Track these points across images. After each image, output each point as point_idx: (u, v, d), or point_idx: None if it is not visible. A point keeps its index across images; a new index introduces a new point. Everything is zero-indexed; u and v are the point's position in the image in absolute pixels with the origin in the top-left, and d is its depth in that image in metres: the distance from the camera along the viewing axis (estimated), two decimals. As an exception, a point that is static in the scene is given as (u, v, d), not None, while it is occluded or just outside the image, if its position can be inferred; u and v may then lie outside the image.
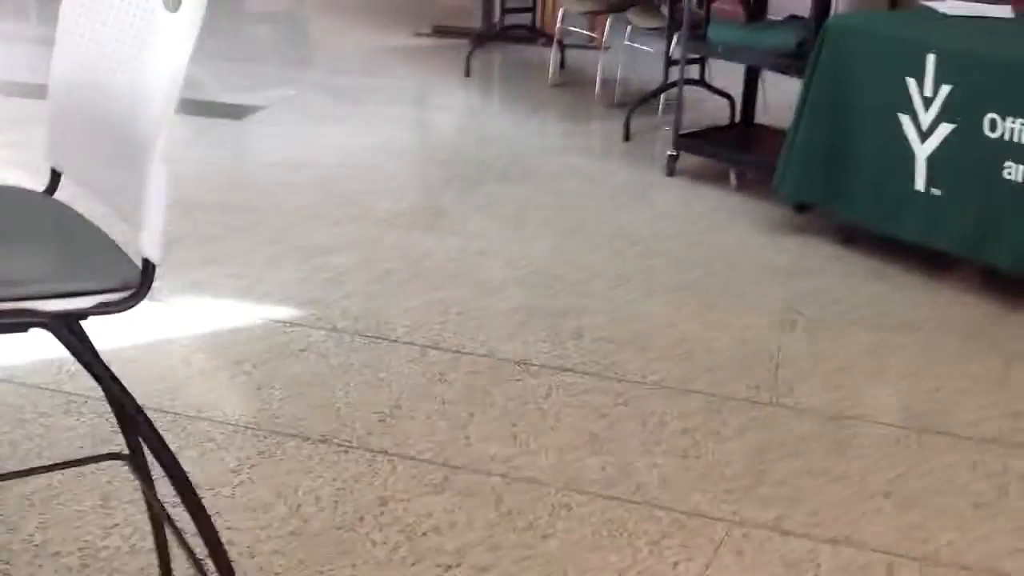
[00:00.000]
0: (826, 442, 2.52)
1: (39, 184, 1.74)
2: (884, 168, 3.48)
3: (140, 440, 1.80)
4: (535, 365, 2.80)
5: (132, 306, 1.44)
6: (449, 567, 2.02)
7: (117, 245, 1.56)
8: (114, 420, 1.74)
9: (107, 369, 1.52)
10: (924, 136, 3.35)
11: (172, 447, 1.88)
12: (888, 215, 3.49)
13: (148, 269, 1.44)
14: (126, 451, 1.80)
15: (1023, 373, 2.90)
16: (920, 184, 3.38)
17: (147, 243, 1.44)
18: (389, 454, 2.37)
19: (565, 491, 2.28)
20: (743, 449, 2.47)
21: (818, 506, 2.28)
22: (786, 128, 3.87)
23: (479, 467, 2.34)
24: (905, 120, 3.39)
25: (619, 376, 2.77)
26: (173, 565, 1.92)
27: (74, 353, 1.47)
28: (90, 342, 1.48)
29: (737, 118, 4.64)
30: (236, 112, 5.01)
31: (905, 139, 3.40)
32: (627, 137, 4.84)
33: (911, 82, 3.36)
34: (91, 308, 1.40)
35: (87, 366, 1.50)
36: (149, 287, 1.45)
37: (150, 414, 1.61)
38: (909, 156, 3.39)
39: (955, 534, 2.21)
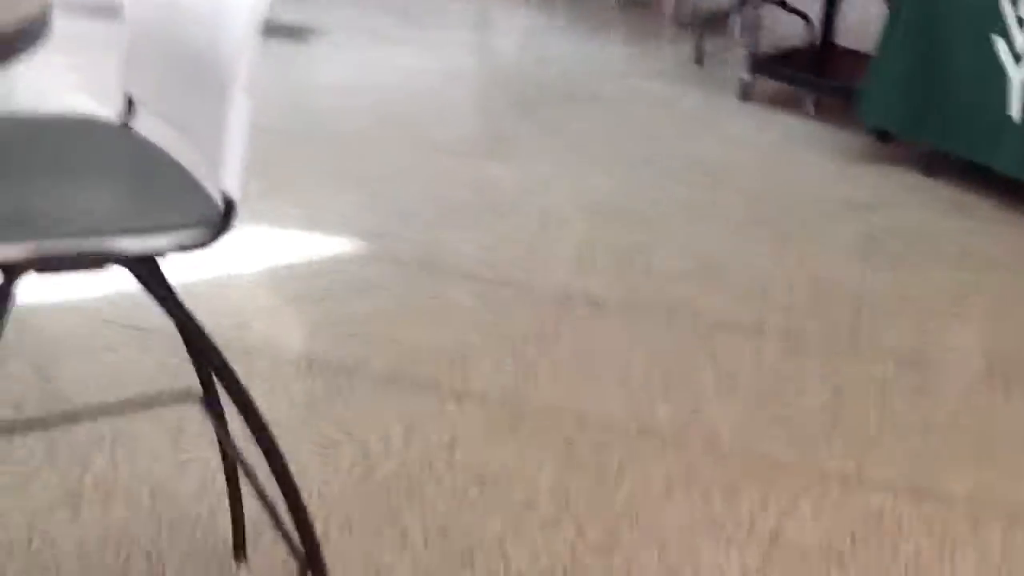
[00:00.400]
0: (908, 388, 2.44)
1: (108, 110, 1.69)
2: (977, 94, 3.30)
3: (212, 379, 1.78)
4: (605, 302, 2.74)
5: (211, 244, 1.40)
6: (520, 514, 1.98)
7: (195, 179, 1.51)
8: (183, 355, 1.71)
9: (183, 307, 1.48)
10: (1019, 59, 3.18)
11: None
12: (979, 144, 3.33)
13: (228, 205, 1.40)
14: (197, 388, 1.78)
15: (1116, 316, 2.78)
16: (1015, 111, 3.21)
17: (227, 179, 1.39)
18: (458, 394, 2.33)
19: (637, 436, 2.23)
20: (821, 394, 2.40)
21: (900, 456, 2.20)
22: (867, 51, 3.69)
23: (549, 410, 2.30)
24: (999, 42, 3.21)
25: (692, 315, 2.69)
26: (244, 504, 1.91)
27: (150, 291, 1.44)
28: (166, 279, 1.45)
29: (815, 40, 4.45)
30: (298, 32, 4.92)
31: (1000, 63, 3.22)
32: (698, 60, 4.68)
33: (1005, 2, 3.17)
34: (169, 246, 1.37)
35: (163, 304, 1.47)
36: (229, 224, 1.41)
37: (216, 351, 1.58)
38: (1004, 81, 3.22)
39: (1044, 488, 2.13)
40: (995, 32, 3.22)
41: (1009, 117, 3.23)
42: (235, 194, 1.41)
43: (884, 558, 1.94)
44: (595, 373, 2.44)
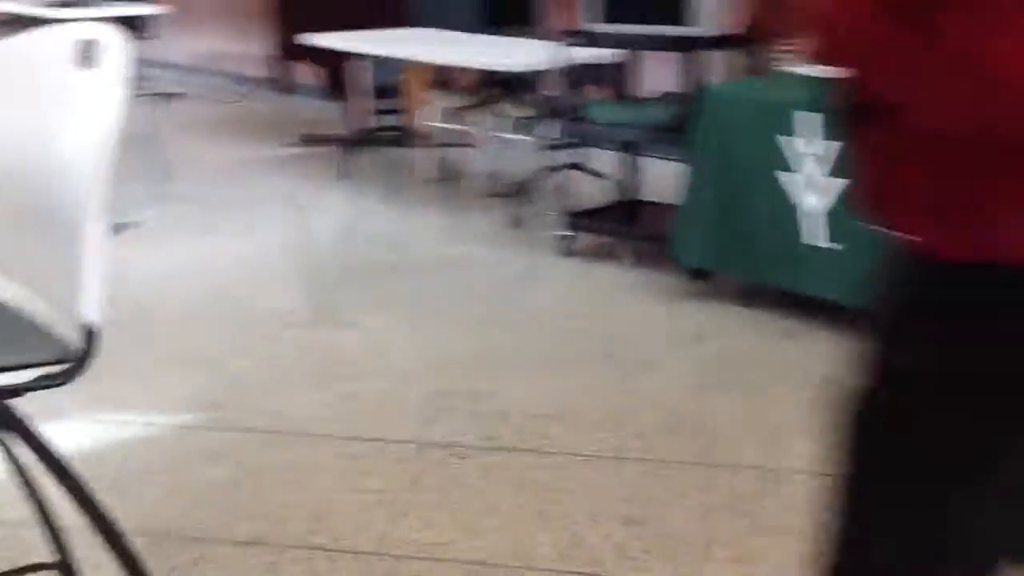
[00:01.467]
0: (772, 499, 2.48)
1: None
2: (773, 226, 3.52)
3: (68, 550, 1.64)
4: (464, 447, 2.69)
5: (75, 377, 1.31)
6: (414, 661, 1.87)
7: (46, 326, 1.43)
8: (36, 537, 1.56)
9: (48, 448, 1.37)
10: (806, 190, 3.43)
11: (89, 560, 1.71)
12: (783, 272, 3.53)
13: (90, 336, 1.32)
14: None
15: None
16: (806, 238, 3.43)
17: (88, 307, 1.32)
18: (328, 550, 2.21)
19: (519, 569, 2.16)
20: (690, 513, 2.40)
21: (776, 563, 2.22)
22: (670, 203, 3.92)
23: (426, 557, 2.21)
24: (784, 177, 3.47)
25: (553, 450, 2.68)
26: None
27: (15, 431, 1.33)
28: (27, 422, 1.35)
29: (621, 197, 4.69)
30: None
31: (787, 196, 3.47)
32: (516, 224, 4.83)
33: (783, 140, 3.45)
34: (32, 382, 1.28)
35: (27, 441, 1.35)
36: (91, 355, 1.33)
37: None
38: (793, 211, 3.46)
39: None
40: (779, 169, 3.48)
41: (804, 243, 3.45)
42: (98, 323, 1.35)
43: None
44: (467, 515, 2.37)
